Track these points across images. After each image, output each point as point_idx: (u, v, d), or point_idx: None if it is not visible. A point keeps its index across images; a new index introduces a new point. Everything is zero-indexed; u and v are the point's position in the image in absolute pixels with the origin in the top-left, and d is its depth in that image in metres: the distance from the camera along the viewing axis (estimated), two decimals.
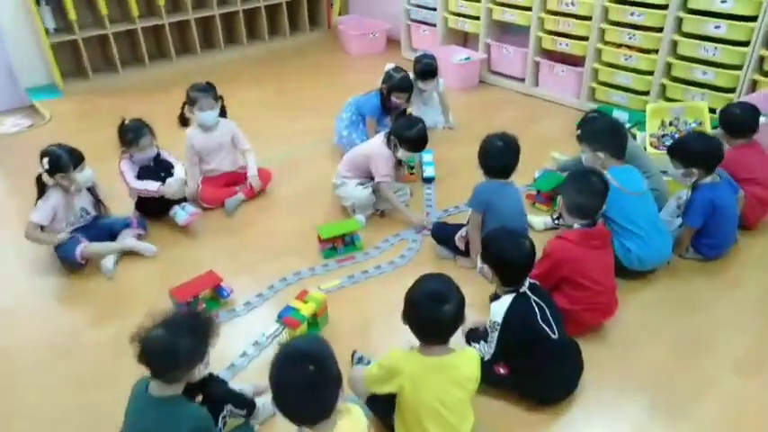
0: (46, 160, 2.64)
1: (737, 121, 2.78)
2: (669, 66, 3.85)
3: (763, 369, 2.21)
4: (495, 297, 2.08)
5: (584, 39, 4.19)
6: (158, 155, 3.09)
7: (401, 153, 3.04)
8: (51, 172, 2.66)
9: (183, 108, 3.26)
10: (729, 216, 2.60)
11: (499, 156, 2.60)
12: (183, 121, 3.28)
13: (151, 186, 2.97)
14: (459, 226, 2.87)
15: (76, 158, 2.71)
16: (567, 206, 2.31)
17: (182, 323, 1.67)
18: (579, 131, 2.78)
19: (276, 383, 1.48)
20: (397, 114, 3.06)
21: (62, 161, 2.65)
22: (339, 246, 2.91)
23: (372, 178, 3.16)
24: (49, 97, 4.87)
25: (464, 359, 1.78)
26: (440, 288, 1.74)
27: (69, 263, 2.79)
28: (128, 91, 5.02)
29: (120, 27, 5.09)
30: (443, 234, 2.87)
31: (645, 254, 2.53)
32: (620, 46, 4.07)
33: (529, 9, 4.42)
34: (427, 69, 3.80)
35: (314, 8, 6.28)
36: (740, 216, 2.70)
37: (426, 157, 3.53)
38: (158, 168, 3.06)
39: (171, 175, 3.02)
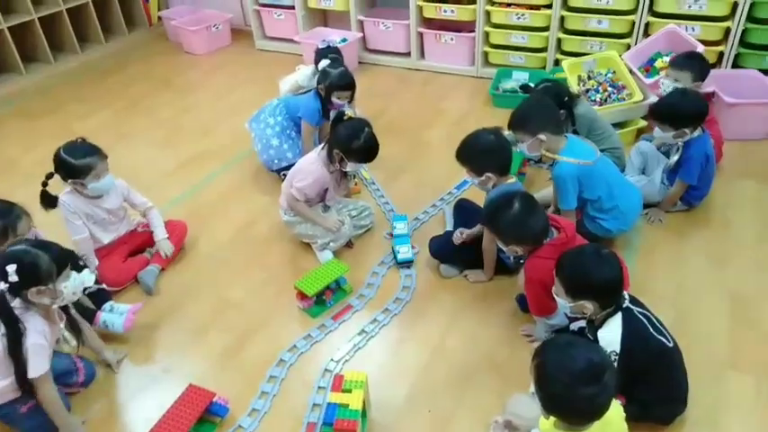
0: (13, 269, 1.64)
1: (704, 66, 2.80)
2: (563, 19, 3.82)
3: None
4: (589, 325, 1.76)
5: (472, 2, 3.97)
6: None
7: (350, 167, 2.53)
8: (24, 285, 1.68)
9: (47, 181, 2.28)
10: (713, 162, 2.60)
11: (499, 150, 2.25)
12: (50, 201, 2.31)
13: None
14: (453, 235, 2.49)
15: (62, 258, 1.75)
16: (518, 241, 1.98)
17: None
18: (510, 120, 2.44)
19: None
20: (335, 119, 2.52)
21: (42, 266, 1.69)
22: (327, 297, 2.34)
23: (324, 203, 2.61)
24: None
25: None
26: (586, 359, 1.35)
27: None
28: None
29: None
30: (443, 249, 2.46)
31: (623, 223, 2.44)
32: (509, 5, 3.92)
33: None
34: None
35: (126, 4, 5.17)
36: None
37: (399, 225, 2.66)
38: None
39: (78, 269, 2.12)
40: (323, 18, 4.81)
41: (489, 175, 2.22)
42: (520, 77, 3.95)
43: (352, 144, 2.43)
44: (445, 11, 4.07)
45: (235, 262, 2.61)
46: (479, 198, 2.47)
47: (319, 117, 2.97)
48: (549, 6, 3.80)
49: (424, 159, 3.29)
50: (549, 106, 2.48)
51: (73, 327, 1.92)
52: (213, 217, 2.90)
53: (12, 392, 1.72)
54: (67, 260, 1.80)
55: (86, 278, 2.07)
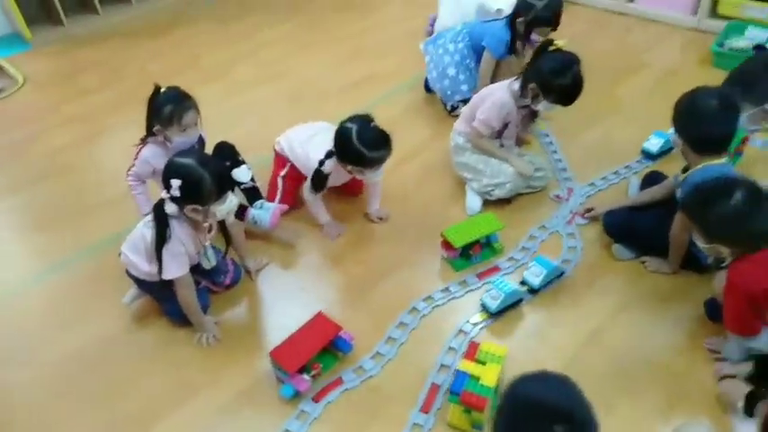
0: (178, 184, 1.67)
1: None
2: None
3: None
4: None
5: None
6: (201, 139, 2.18)
7: (542, 105, 2.20)
8: (183, 200, 1.71)
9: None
10: None
11: (715, 122, 1.78)
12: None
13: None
14: (638, 212, 2.09)
15: (224, 184, 1.75)
16: (729, 241, 1.56)
17: None
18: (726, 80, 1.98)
19: None
20: (540, 48, 2.16)
21: (204, 189, 1.67)
22: (474, 252, 2.12)
23: (500, 141, 2.35)
24: (15, 51, 3.79)
25: None
26: None
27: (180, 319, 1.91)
28: (112, 38, 3.96)
29: None
30: (619, 226, 2.09)
31: None
32: None
33: None
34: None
35: None
36: None
37: (536, 270, 1.99)
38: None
39: (236, 164, 2.13)
40: None
41: (685, 140, 1.80)
42: (755, 35, 3.20)
43: (556, 80, 2.10)
44: None
45: (383, 193, 2.47)
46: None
47: (504, 50, 2.64)
48: None
49: (613, 117, 2.84)
50: None
51: (224, 231, 1.94)
52: None
53: (156, 276, 1.78)
54: (228, 185, 1.79)
55: (243, 174, 2.09)
